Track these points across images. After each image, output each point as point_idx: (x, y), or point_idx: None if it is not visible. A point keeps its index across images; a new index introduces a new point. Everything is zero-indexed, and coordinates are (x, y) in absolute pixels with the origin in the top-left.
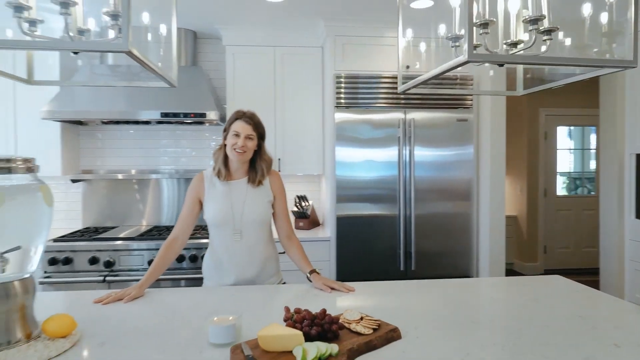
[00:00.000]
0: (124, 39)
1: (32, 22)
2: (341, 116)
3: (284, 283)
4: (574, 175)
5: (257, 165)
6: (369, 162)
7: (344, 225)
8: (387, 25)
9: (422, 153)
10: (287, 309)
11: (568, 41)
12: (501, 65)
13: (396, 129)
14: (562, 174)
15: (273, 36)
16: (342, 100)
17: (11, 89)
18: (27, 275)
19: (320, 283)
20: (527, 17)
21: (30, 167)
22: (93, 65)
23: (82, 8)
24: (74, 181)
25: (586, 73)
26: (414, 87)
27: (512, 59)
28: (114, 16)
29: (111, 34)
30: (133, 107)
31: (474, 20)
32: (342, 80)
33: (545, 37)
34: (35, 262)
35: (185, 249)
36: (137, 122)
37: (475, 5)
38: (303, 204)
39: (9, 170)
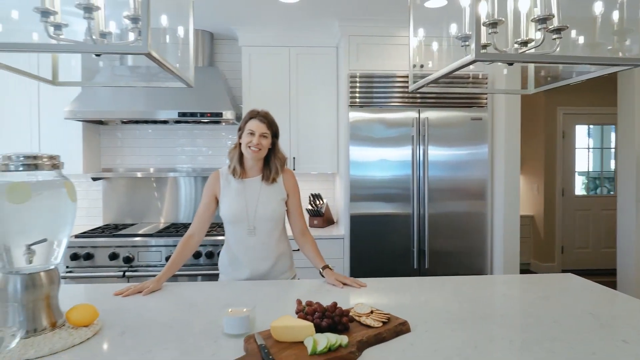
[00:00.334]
0: (144, 42)
1: (58, 26)
2: (355, 115)
3: (298, 279)
4: (593, 175)
5: (272, 163)
6: (383, 161)
7: (358, 223)
8: (401, 24)
9: (436, 152)
10: (299, 302)
11: (579, 39)
12: (510, 64)
13: (410, 128)
14: (581, 173)
15: (288, 36)
16: (357, 100)
17: (35, 90)
18: (52, 267)
19: (332, 278)
20: (536, 16)
21: (55, 164)
22: (114, 67)
23: (103, 12)
24: (94, 179)
25: (597, 71)
26: (425, 85)
27: (520, 58)
28: (134, 19)
29: (131, 36)
30: (152, 107)
31: (484, 20)
32: (357, 79)
33: (555, 36)
34: (59, 255)
35: (201, 245)
36: (155, 122)
37: (485, 4)
38: (317, 202)
39: (35, 167)
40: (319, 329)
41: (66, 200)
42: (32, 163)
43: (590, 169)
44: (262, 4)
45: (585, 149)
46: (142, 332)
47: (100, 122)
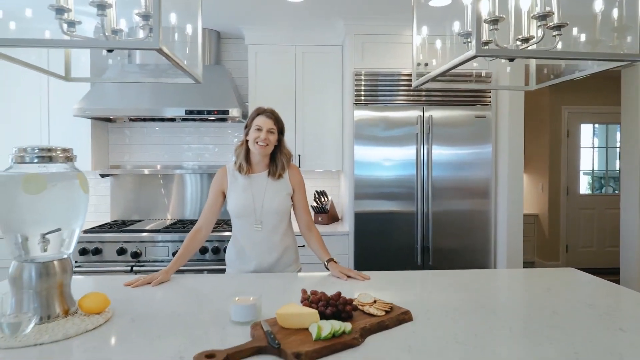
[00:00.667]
0: (155, 37)
1: (71, 23)
2: (360, 114)
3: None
4: (598, 174)
5: (278, 159)
6: (387, 160)
7: (362, 220)
8: (406, 23)
9: (440, 152)
10: (304, 291)
11: (580, 37)
12: (511, 60)
13: (414, 127)
14: (586, 172)
15: (294, 35)
16: (362, 98)
17: (45, 88)
18: (65, 256)
19: (337, 271)
20: (536, 13)
21: (68, 156)
22: (123, 65)
23: (115, 10)
24: (102, 176)
25: (596, 67)
26: (428, 82)
27: (519, 54)
28: (145, 16)
29: (141, 34)
30: (159, 104)
31: (485, 17)
32: (362, 78)
33: (555, 33)
34: (72, 245)
35: (207, 241)
36: (162, 120)
37: (486, 2)
38: (322, 199)
39: (50, 159)
40: (324, 317)
41: (79, 191)
42: (46, 155)
43: (596, 168)
44: (269, 3)
45: (590, 148)
46: (152, 319)
47: (108, 120)
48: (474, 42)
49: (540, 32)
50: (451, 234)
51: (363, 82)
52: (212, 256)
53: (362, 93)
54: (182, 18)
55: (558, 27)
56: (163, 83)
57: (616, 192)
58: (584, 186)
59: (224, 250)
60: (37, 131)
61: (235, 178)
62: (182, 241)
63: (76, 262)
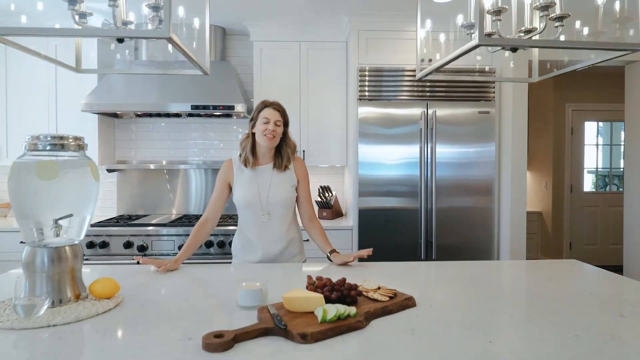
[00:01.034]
0: (165, 27)
1: (82, 15)
2: (364, 110)
3: None
4: (602, 172)
5: (283, 151)
6: (391, 159)
7: (366, 216)
8: (410, 19)
9: (443, 150)
10: (309, 277)
11: (583, 30)
12: (514, 50)
13: (418, 123)
14: (590, 171)
15: (299, 31)
16: (366, 93)
17: (53, 83)
18: (76, 242)
19: (340, 259)
20: (538, 3)
21: (80, 144)
22: (130, 60)
23: (125, 2)
24: (109, 171)
25: (598, 58)
26: (432, 73)
27: (522, 43)
28: (155, 8)
29: (149, 26)
30: (165, 100)
31: (488, 8)
32: (366, 73)
33: (557, 24)
34: (83, 231)
35: (213, 235)
36: (168, 115)
37: None
38: (326, 194)
39: (62, 147)
40: (329, 301)
41: (90, 178)
42: (59, 143)
43: (600, 166)
44: None
45: (594, 145)
46: (161, 304)
47: (115, 116)
48: (477, 33)
49: (542, 24)
50: (454, 231)
51: (367, 78)
52: (217, 250)
53: (367, 89)
54: (189, 13)
55: (560, 18)
56: (170, 78)
57: (620, 190)
58: (588, 184)
59: (229, 244)
60: (44, 126)
61: (241, 170)
62: (187, 235)
63: (84, 255)
